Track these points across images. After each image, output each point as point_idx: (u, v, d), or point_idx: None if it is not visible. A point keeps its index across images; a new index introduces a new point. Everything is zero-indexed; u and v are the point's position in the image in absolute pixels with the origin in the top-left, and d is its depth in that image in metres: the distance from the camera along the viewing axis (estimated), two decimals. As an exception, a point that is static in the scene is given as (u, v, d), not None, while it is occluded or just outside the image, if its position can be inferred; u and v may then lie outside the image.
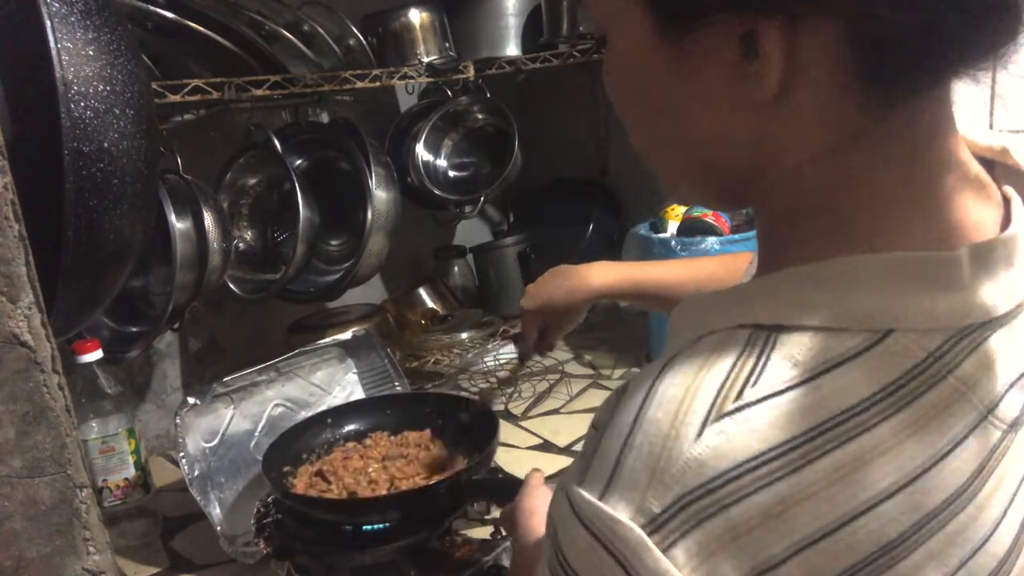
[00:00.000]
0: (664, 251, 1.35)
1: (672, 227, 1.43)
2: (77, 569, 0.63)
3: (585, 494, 0.35)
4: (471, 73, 1.39)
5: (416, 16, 1.34)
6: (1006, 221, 0.40)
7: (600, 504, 0.34)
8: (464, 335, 1.46)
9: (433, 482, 0.90)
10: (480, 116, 1.59)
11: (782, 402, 0.33)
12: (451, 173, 1.61)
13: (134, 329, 1.15)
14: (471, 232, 1.82)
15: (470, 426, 0.99)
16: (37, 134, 0.69)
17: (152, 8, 1.01)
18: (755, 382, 0.34)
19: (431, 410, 1.05)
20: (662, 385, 0.35)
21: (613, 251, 1.59)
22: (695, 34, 0.37)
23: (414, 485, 0.91)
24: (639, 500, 0.33)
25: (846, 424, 0.33)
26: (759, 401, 0.33)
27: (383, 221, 1.28)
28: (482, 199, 1.48)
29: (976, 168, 0.40)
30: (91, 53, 0.71)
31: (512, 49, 1.49)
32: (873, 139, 0.37)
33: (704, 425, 0.33)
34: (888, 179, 0.37)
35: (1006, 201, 0.41)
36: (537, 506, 0.72)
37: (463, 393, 1.35)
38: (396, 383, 1.19)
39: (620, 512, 0.33)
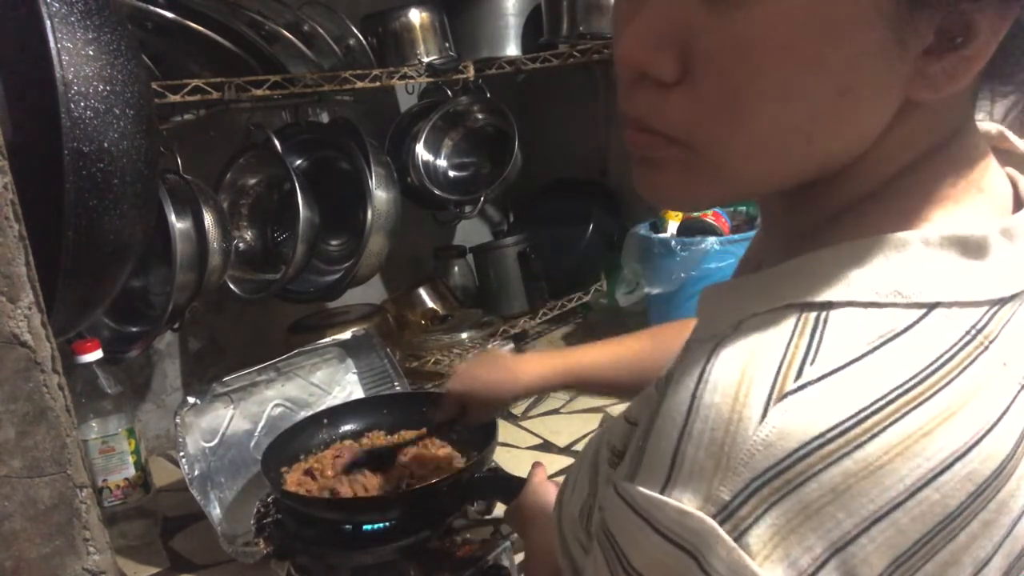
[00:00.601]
0: (664, 251, 1.35)
1: (672, 227, 1.43)
2: (77, 569, 0.63)
3: (644, 490, 0.34)
4: (471, 73, 1.39)
5: (416, 16, 1.34)
6: (1016, 201, 0.40)
7: (663, 498, 0.33)
8: (464, 335, 1.46)
9: (433, 482, 0.90)
10: (480, 116, 1.59)
11: (842, 378, 0.33)
12: (451, 173, 1.61)
13: (134, 329, 1.15)
14: (471, 232, 1.82)
15: (468, 425, 0.99)
16: (37, 134, 0.69)
17: (152, 8, 1.01)
18: (813, 360, 0.34)
19: (429, 410, 1.05)
20: (715, 370, 0.35)
21: (613, 251, 1.59)
22: (923, 12, 0.33)
23: (417, 484, 0.91)
24: (707, 489, 0.32)
25: (904, 397, 0.33)
26: (820, 379, 0.33)
27: (383, 221, 1.28)
28: (482, 199, 1.48)
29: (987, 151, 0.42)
30: (91, 53, 0.71)
31: (512, 49, 1.49)
32: (966, 130, 0.37)
33: (767, 406, 0.33)
34: (955, 166, 0.38)
35: (1013, 184, 0.42)
36: (546, 503, 0.71)
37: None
38: (396, 383, 1.19)
39: (687, 503, 0.33)
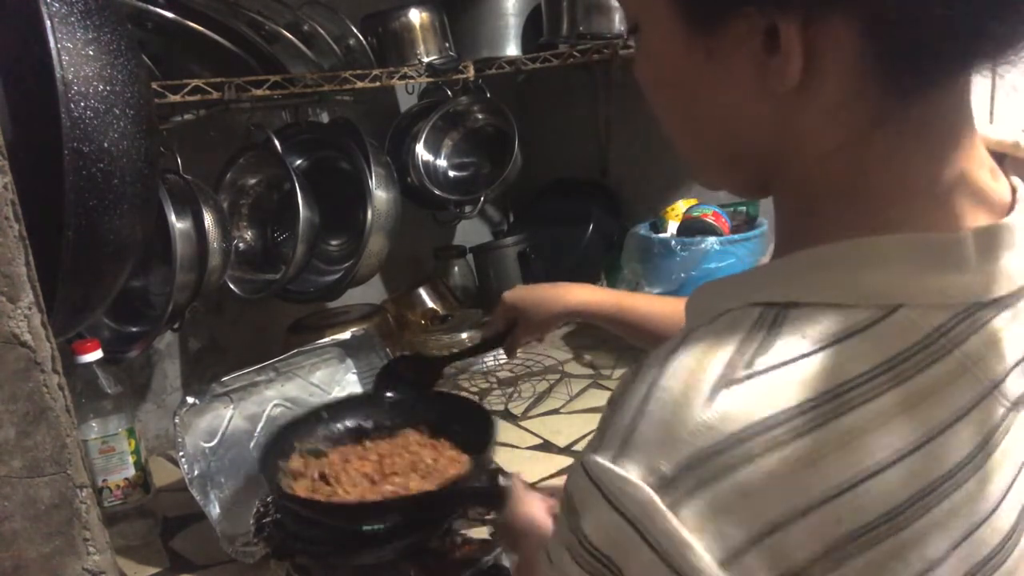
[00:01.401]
0: (664, 251, 1.35)
1: (672, 227, 1.43)
2: (77, 569, 0.63)
3: (599, 459, 0.36)
4: (471, 73, 1.39)
5: (416, 16, 1.34)
6: (1012, 209, 0.41)
7: (612, 465, 0.35)
8: (464, 335, 1.45)
9: (434, 488, 0.89)
10: (480, 116, 1.59)
11: (791, 371, 0.35)
12: (451, 173, 1.61)
13: (134, 329, 1.15)
14: (471, 232, 1.82)
15: (468, 427, 0.99)
16: (37, 134, 0.69)
17: (152, 8, 1.01)
18: (765, 352, 0.35)
19: (429, 409, 1.05)
20: (676, 358, 0.37)
21: (613, 251, 1.59)
22: (721, 29, 0.38)
23: (415, 489, 0.90)
24: (649, 461, 0.34)
25: (852, 392, 0.34)
26: (769, 369, 0.35)
27: (383, 221, 1.28)
28: (482, 199, 1.48)
29: (989, 161, 0.42)
30: (91, 53, 0.71)
31: (512, 49, 1.49)
32: (893, 128, 0.38)
33: (715, 391, 0.35)
34: (907, 168, 0.38)
35: (1013, 191, 0.42)
36: (533, 513, 0.71)
37: (463, 393, 1.35)
38: (396, 383, 1.19)
39: (632, 473, 0.35)
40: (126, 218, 0.76)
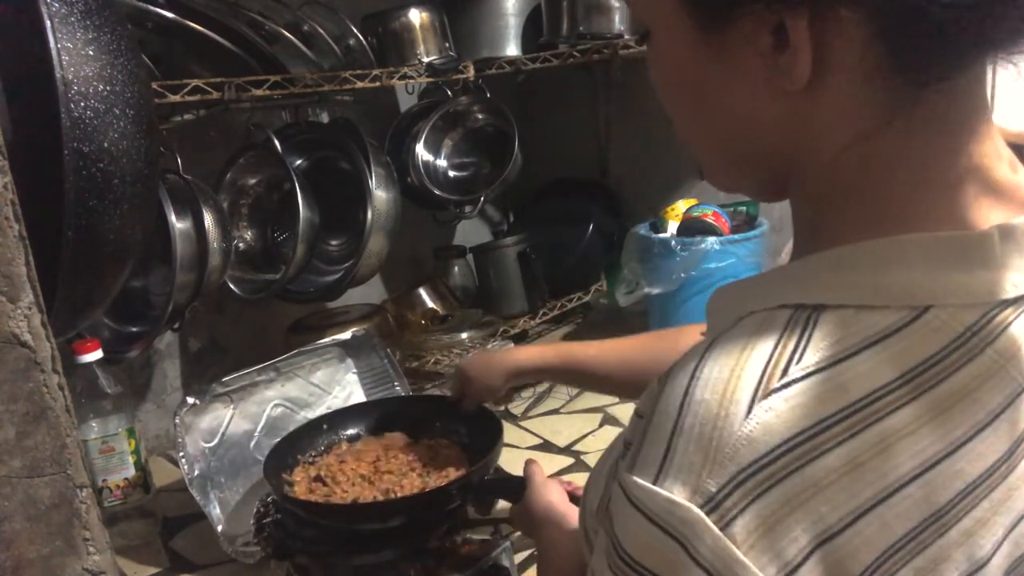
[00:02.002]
0: (664, 251, 1.35)
1: (672, 227, 1.43)
2: (77, 569, 0.63)
3: (639, 480, 0.35)
4: (471, 73, 1.39)
5: (416, 16, 1.34)
6: None
7: (655, 488, 0.35)
8: (464, 335, 1.45)
9: (433, 487, 0.89)
10: (480, 116, 1.59)
11: (827, 377, 0.34)
12: (451, 173, 1.61)
13: (134, 329, 1.15)
14: (471, 232, 1.82)
15: (473, 428, 0.99)
16: (37, 134, 0.69)
17: (152, 8, 1.01)
18: (799, 359, 0.35)
19: (431, 411, 1.05)
20: (707, 367, 0.36)
21: (613, 251, 1.59)
22: (730, 27, 0.38)
23: (415, 489, 0.91)
24: (695, 481, 0.34)
25: (888, 396, 0.34)
26: (805, 377, 0.34)
27: (383, 221, 1.28)
28: (482, 199, 1.48)
29: (1008, 153, 0.41)
30: (91, 53, 0.71)
31: (512, 49, 1.49)
32: (907, 124, 0.37)
33: (753, 403, 0.34)
34: (923, 163, 0.38)
35: None
36: (553, 500, 0.72)
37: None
38: (396, 383, 1.19)
39: (677, 494, 0.34)
40: (126, 218, 0.76)
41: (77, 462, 0.62)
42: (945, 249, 0.36)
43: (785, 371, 0.34)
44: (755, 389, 0.34)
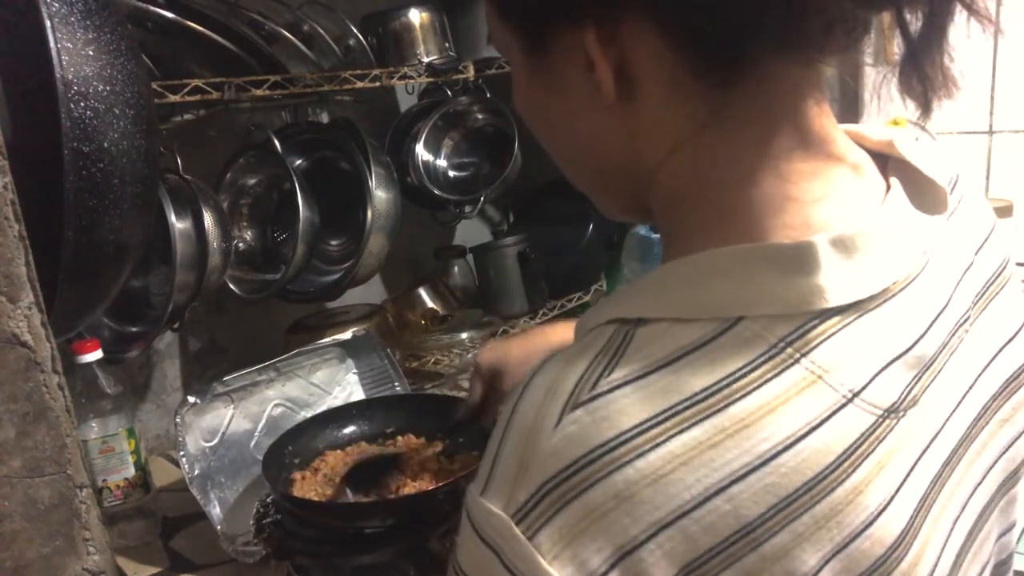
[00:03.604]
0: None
1: (672, 227, 1.43)
2: (77, 569, 0.63)
3: (472, 492, 0.37)
4: (471, 73, 1.39)
5: (416, 16, 1.34)
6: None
7: (480, 499, 0.36)
8: (464, 335, 1.45)
9: (433, 487, 0.89)
10: (480, 116, 1.59)
11: (632, 390, 0.34)
12: (451, 173, 1.61)
13: (134, 329, 1.15)
14: (471, 232, 1.82)
15: (476, 430, 0.99)
16: (37, 134, 0.69)
17: (152, 8, 1.01)
18: (609, 373, 0.35)
19: (431, 411, 1.05)
20: (535, 381, 0.37)
21: (613, 251, 1.58)
22: (550, 50, 0.40)
23: (416, 489, 0.91)
24: (509, 491, 0.35)
25: (693, 408, 0.34)
26: (611, 390, 0.35)
27: (383, 221, 1.28)
28: (482, 199, 1.48)
29: (856, 156, 0.41)
30: (91, 53, 0.71)
31: (512, 49, 1.49)
32: (720, 126, 0.38)
33: (562, 415, 0.35)
34: (740, 168, 0.38)
35: (887, 190, 0.41)
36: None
37: (463, 394, 1.35)
38: (396, 383, 1.19)
39: (494, 504, 0.35)
40: (126, 218, 0.76)
41: (77, 462, 0.62)
42: (763, 259, 0.36)
43: (595, 384, 0.35)
44: (565, 402, 0.35)
